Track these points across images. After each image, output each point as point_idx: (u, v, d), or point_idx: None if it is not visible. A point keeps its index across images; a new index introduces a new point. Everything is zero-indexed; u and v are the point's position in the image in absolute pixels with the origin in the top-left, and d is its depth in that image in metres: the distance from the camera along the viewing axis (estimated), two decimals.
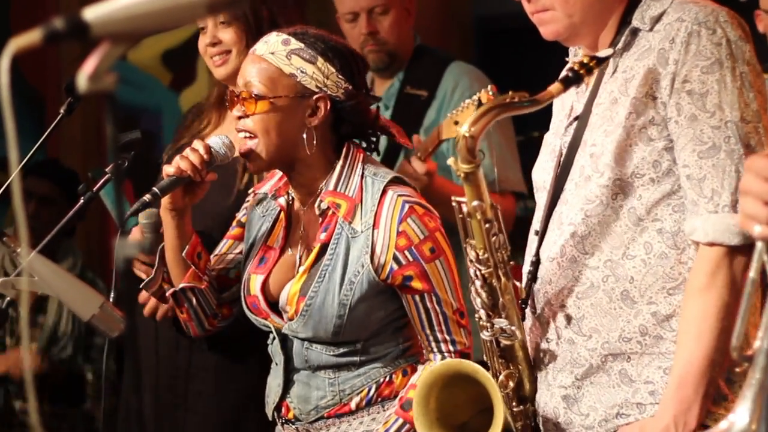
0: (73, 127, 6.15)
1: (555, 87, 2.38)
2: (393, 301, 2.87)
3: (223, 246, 3.12)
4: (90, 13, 1.52)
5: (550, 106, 2.70)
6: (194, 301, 3.01)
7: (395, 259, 2.81)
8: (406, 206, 2.82)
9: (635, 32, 2.47)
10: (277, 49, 2.85)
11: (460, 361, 2.63)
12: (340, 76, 2.86)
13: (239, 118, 2.86)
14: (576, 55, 2.63)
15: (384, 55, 4.23)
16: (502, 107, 2.37)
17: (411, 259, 2.80)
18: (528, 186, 3.20)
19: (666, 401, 2.37)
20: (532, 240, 2.58)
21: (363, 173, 2.87)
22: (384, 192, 2.84)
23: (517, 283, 2.52)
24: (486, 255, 2.43)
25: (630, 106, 2.40)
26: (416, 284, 2.82)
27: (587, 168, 2.46)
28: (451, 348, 2.85)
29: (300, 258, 2.94)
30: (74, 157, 6.35)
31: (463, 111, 3.65)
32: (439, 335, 2.85)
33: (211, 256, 3.10)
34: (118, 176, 2.96)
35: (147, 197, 2.87)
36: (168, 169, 2.90)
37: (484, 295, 2.46)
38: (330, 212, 2.86)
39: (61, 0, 6.30)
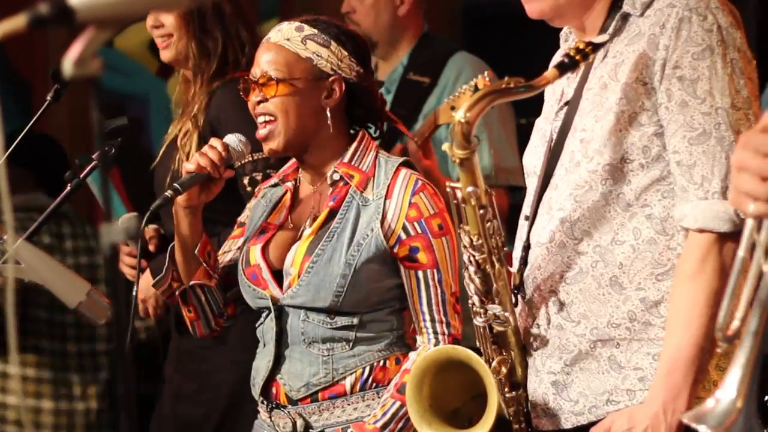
0: (60, 114, 6.12)
1: (551, 72, 2.38)
2: (394, 278, 2.89)
3: (224, 246, 3.13)
4: None
5: (540, 93, 2.71)
6: (203, 298, 3.03)
7: (404, 228, 2.87)
8: (419, 182, 2.91)
9: (626, 17, 2.46)
10: (291, 35, 2.93)
11: (453, 347, 2.63)
12: (352, 59, 2.96)
13: (258, 103, 2.92)
14: (567, 41, 2.63)
15: None
16: (498, 92, 2.37)
17: (419, 230, 2.86)
18: None
19: (655, 388, 2.37)
20: (522, 225, 2.59)
21: (377, 154, 2.97)
22: (398, 169, 2.92)
23: (511, 269, 2.52)
24: (480, 241, 2.43)
25: (620, 91, 2.40)
26: (421, 257, 2.87)
27: (577, 153, 2.46)
28: (445, 330, 2.87)
29: (305, 226, 2.96)
30: (61, 144, 6.33)
31: (460, 97, 3.67)
32: (435, 315, 2.86)
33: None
34: (105, 163, 2.95)
35: (168, 193, 2.89)
36: (188, 166, 2.93)
37: (477, 281, 2.47)
38: (341, 183, 2.93)
39: None
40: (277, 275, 2.95)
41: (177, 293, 3.02)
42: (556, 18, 2.53)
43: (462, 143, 2.36)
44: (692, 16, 2.37)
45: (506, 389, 2.53)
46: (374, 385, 2.89)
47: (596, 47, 2.40)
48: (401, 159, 2.98)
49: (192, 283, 3.00)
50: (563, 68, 2.38)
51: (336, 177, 2.94)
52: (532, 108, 2.74)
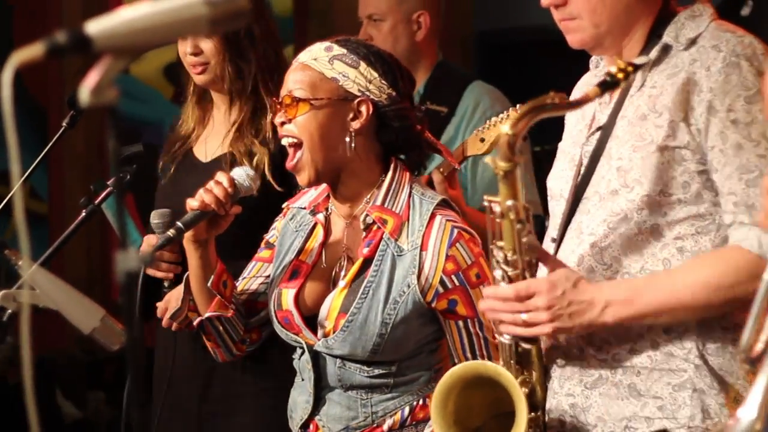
0: (76, 140, 6.15)
1: (593, 91, 2.39)
2: (431, 324, 2.84)
3: (251, 269, 3.05)
4: (92, 27, 1.52)
5: (560, 119, 2.72)
6: (221, 329, 2.96)
7: (442, 282, 2.79)
8: (455, 231, 2.80)
9: (667, 49, 2.47)
10: (319, 55, 2.85)
11: (482, 363, 2.59)
12: (383, 81, 2.84)
13: (282, 124, 2.85)
14: (598, 66, 2.64)
15: None
16: (542, 108, 2.37)
17: (457, 283, 2.79)
18: (544, 205, 3.20)
19: (619, 286, 2.40)
20: (548, 247, 2.58)
21: (411, 191, 2.86)
22: (433, 215, 2.82)
23: None
24: (515, 257, 2.41)
25: (662, 125, 2.41)
26: (461, 309, 2.80)
27: (614, 181, 2.45)
28: None
29: (337, 271, 2.89)
30: (76, 170, 6.36)
31: (489, 128, 3.67)
32: (479, 359, 2.80)
33: (239, 279, 3.04)
34: (120, 189, 2.96)
35: (171, 232, 2.82)
36: (192, 203, 2.85)
37: None
38: (375, 227, 2.83)
39: (65, 13, 6.31)
40: (311, 319, 2.88)
41: (195, 323, 2.97)
42: (596, 47, 2.54)
43: (507, 155, 2.36)
44: (740, 62, 2.38)
45: (529, 411, 2.49)
46: (413, 422, 2.85)
47: (637, 68, 2.41)
48: (436, 199, 2.85)
49: (207, 315, 2.94)
50: (605, 87, 2.39)
51: (369, 221, 2.84)
52: (546, 136, 2.75)
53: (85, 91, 1.51)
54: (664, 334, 2.42)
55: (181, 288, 3.64)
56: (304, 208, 2.99)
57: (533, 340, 2.45)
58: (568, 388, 2.50)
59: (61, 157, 6.25)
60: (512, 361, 2.49)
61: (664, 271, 2.41)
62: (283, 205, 3.07)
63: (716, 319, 2.41)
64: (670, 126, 2.40)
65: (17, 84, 1.48)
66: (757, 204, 2.35)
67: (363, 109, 2.83)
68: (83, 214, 3.23)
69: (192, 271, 2.93)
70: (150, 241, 3.55)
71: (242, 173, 2.93)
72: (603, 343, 2.46)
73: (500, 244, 2.43)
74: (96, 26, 1.52)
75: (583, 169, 2.53)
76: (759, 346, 1.70)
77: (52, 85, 6.23)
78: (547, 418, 2.52)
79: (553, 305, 2.38)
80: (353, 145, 2.82)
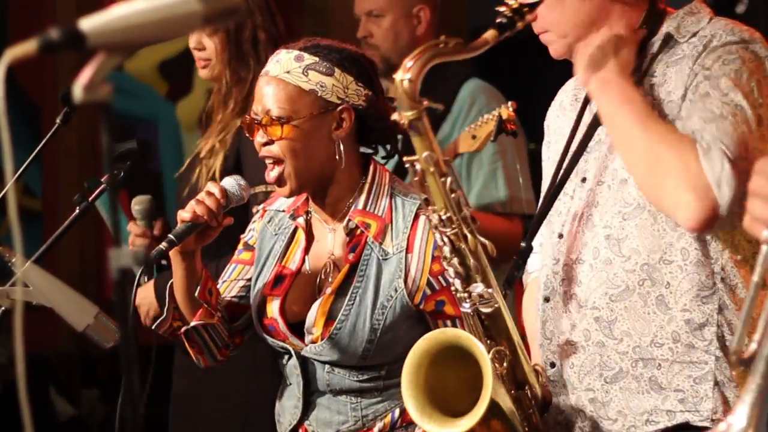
0: (70, 136, 6.15)
1: (490, 33, 2.37)
2: (419, 326, 2.80)
3: (231, 272, 3.00)
4: (86, 24, 1.51)
5: (543, 118, 2.72)
6: (206, 336, 2.91)
7: (429, 284, 2.76)
8: None
9: (668, 40, 2.48)
10: (291, 67, 2.76)
11: (441, 331, 2.47)
12: (359, 84, 2.79)
13: (263, 144, 2.76)
14: None
15: (378, 60, 4.24)
16: (435, 51, 2.32)
17: (444, 284, 2.75)
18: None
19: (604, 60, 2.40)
20: (555, 243, 2.55)
21: (392, 192, 2.82)
22: (416, 216, 2.79)
23: (485, 241, 2.40)
24: (448, 213, 2.35)
25: (665, 110, 2.41)
26: (449, 309, 2.78)
27: (621, 171, 2.45)
28: None
29: (323, 278, 2.85)
30: (70, 167, 6.35)
31: (481, 126, 3.66)
32: None
33: (219, 281, 2.99)
34: (113, 186, 2.95)
35: (163, 245, 2.75)
36: (183, 215, 2.77)
37: (455, 261, 2.38)
38: (358, 231, 2.80)
39: (58, 9, 6.30)
40: (297, 326, 2.84)
41: (180, 332, 2.91)
42: (573, 56, 2.52)
43: (410, 103, 2.30)
44: (734, 39, 2.40)
45: (512, 388, 2.45)
46: (404, 423, 2.82)
47: (532, 6, 2.41)
48: (418, 200, 2.78)
49: (194, 323, 2.87)
50: (502, 28, 2.38)
51: (352, 225, 2.80)
52: (543, 134, 2.74)
53: (78, 88, 1.50)
54: (685, 326, 2.41)
55: (150, 288, 3.62)
56: (283, 211, 2.94)
57: (493, 300, 2.37)
58: (587, 383, 2.49)
59: (55, 154, 6.25)
60: (481, 334, 2.42)
61: (646, 101, 2.38)
62: (259, 207, 3.02)
63: (736, 311, 2.41)
64: (668, 107, 2.40)
65: (10, 81, 1.48)
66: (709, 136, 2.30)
67: (345, 116, 2.77)
68: (77, 211, 3.23)
69: (177, 281, 2.86)
70: (133, 229, 3.59)
71: (233, 183, 2.86)
72: (624, 336, 2.45)
73: (432, 207, 2.37)
74: (89, 23, 1.52)
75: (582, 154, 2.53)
76: (752, 346, 1.70)
77: (45, 81, 6.23)
78: (564, 414, 2.50)
79: None
80: (339, 155, 2.78)
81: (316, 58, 2.77)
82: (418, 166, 2.35)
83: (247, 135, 2.84)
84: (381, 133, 2.86)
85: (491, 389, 2.32)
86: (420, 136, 2.33)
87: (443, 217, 2.36)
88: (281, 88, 2.75)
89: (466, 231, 2.37)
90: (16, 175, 3.20)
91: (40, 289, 2.99)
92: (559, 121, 2.67)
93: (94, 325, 3.07)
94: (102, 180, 3.24)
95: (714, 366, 2.41)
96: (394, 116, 2.33)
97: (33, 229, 6.12)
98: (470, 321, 2.43)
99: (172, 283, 2.89)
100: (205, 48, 3.71)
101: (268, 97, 2.76)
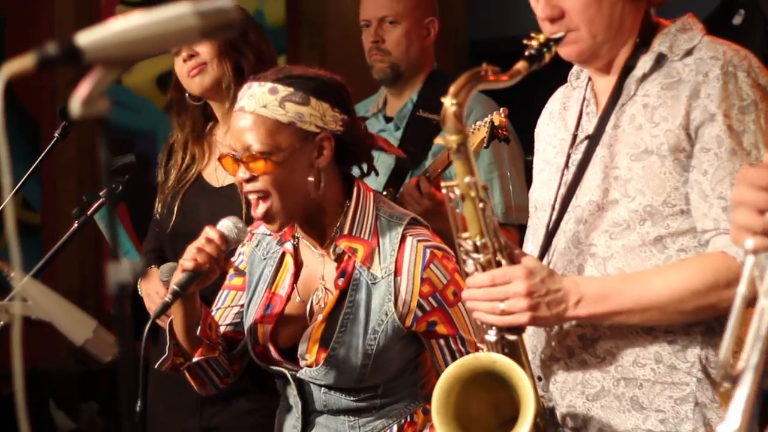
0: (68, 150, 6.14)
1: (522, 65, 2.39)
2: (412, 345, 2.82)
3: (225, 298, 3.00)
4: (83, 39, 1.52)
5: (533, 132, 2.72)
6: (208, 369, 2.92)
7: (419, 306, 2.76)
8: (428, 252, 2.77)
9: (660, 59, 2.47)
10: (267, 100, 2.74)
11: (489, 356, 2.41)
12: (335, 110, 2.78)
13: (246, 181, 2.75)
14: (579, 78, 2.64)
15: (386, 66, 4.24)
16: (478, 78, 2.35)
17: (435, 305, 2.76)
18: None
19: (595, 282, 2.37)
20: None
21: (377, 214, 2.82)
22: (403, 237, 2.78)
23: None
24: (483, 240, 2.35)
25: (662, 136, 2.40)
26: (441, 329, 2.78)
27: (613, 191, 2.44)
28: None
29: (313, 304, 2.86)
30: (69, 181, 6.35)
31: (473, 133, 3.66)
32: None
33: (213, 308, 2.99)
34: (112, 200, 2.95)
35: (168, 297, 2.75)
36: (186, 264, 2.76)
37: None
38: (345, 257, 2.80)
39: (56, 24, 6.31)
40: (290, 351, 2.85)
41: (183, 368, 2.91)
42: (592, 58, 2.52)
43: (456, 127, 2.32)
44: (737, 72, 2.39)
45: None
46: None
47: (556, 41, 2.43)
48: (405, 219, 2.81)
49: (196, 359, 2.87)
50: (532, 60, 2.40)
51: (339, 251, 2.80)
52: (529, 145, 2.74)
53: (76, 103, 1.50)
54: (668, 347, 2.41)
55: (154, 275, 3.59)
56: (270, 235, 2.94)
57: (516, 330, 2.39)
58: (569, 400, 2.49)
59: (54, 167, 6.24)
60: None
61: (641, 271, 2.39)
62: (249, 231, 2.99)
63: (720, 334, 2.38)
64: (667, 135, 2.40)
65: (9, 94, 1.48)
66: None
67: (325, 143, 2.77)
68: (75, 225, 3.23)
69: (177, 321, 2.86)
70: (160, 292, 3.56)
71: (230, 225, 2.83)
72: (606, 354, 2.45)
73: (465, 235, 2.36)
74: (87, 37, 1.52)
75: (570, 177, 2.52)
76: (740, 365, 1.69)
77: (44, 95, 6.23)
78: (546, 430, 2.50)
79: (533, 292, 2.33)
80: (322, 183, 2.77)
81: (291, 89, 2.75)
82: (456, 191, 2.34)
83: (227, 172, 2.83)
84: (359, 155, 2.87)
85: (534, 411, 2.34)
86: (462, 161, 2.34)
87: (478, 243, 2.35)
88: (260, 123, 2.73)
89: (500, 257, 2.37)
90: (15, 189, 3.20)
91: (39, 303, 2.98)
92: (548, 128, 2.67)
93: (93, 339, 3.07)
94: (101, 193, 3.24)
95: (695, 387, 2.40)
96: (438, 140, 2.34)
97: (32, 243, 6.12)
98: (492, 348, 2.40)
99: (171, 321, 2.88)
100: (198, 53, 3.62)
101: (246, 133, 2.74)
